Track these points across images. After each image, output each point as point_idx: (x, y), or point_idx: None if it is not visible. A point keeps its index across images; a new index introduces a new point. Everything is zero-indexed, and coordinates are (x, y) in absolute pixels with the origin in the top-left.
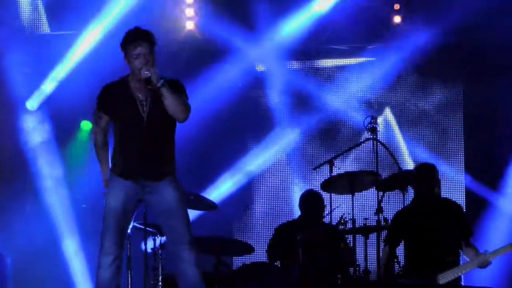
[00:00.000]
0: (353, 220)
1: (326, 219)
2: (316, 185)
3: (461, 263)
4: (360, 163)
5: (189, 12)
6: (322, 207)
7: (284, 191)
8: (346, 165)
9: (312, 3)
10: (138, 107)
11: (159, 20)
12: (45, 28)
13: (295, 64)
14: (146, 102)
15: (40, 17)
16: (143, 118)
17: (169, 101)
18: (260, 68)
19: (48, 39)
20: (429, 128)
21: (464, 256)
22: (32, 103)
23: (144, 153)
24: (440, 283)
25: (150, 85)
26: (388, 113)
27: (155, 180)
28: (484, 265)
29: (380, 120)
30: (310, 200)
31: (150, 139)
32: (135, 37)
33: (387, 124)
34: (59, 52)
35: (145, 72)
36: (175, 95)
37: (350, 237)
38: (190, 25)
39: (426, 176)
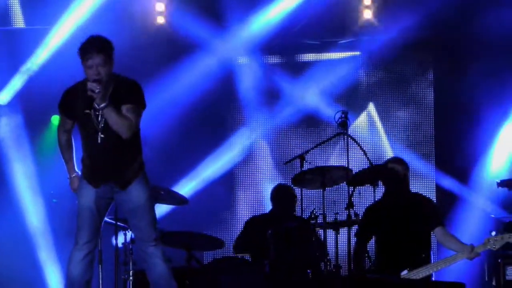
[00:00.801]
0: (324, 215)
1: (297, 214)
2: (288, 180)
3: (433, 259)
4: (333, 158)
5: (160, 6)
6: (294, 201)
7: (255, 185)
8: (319, 160)
9: None
10: (94, 117)
11: (130, 15)
12: (16, 22)
13: (266, 59)
14: (101, 112)
15: (10, 11)
16: (98, 129)
17: (112, 122)
18: (231, 63)
19: (18, 33)
20: (399, 123)
21: (445, 245)
22: (2, 97)
23: (106, 162)
24: (413, 278)
25: (93, 106)
26: (359, 108)
27: (121, 187)
28: (472, 257)
29: (351, 115)
30: (281, 194)
31: (109, 148)
32: (88, 48)
33: (359, 119)
34: (30, 46)
35: (91, 91)
36: (118, 116)
37: (321, 232)
38: (160, 20)
39: (394, 171)
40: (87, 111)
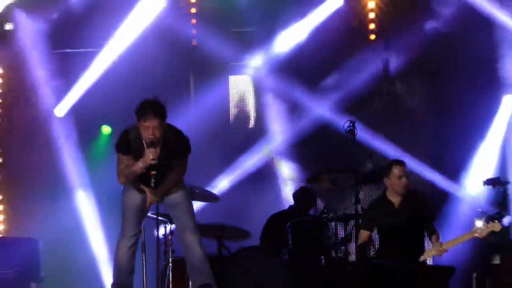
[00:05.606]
0: (335, 210)
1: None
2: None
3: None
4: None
5: (194, 31)
6: (313, 203)
7: (274, 186)
8: (330, 164)
9: (306, 17)
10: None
11: (168, 37)
12: (69, 45)
13: (285, 74)
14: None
15: (64, 36)
16: (152, 169)
17: (169, 184)
18: (250, 76)
19: (72, 55)
20: (400, 129)
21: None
22: (59, 111)
23: (155, 186)
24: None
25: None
26: (366, 117)
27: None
28: (440, 253)
29: (359, 124)
30: (305, 195)
31: (160, 179)
32: (146, 111)
33: (365, 127)
34: (82, 66)
35: (152, 160)
36: (171, 180)
37: (332, 224)
38: (194, 42)
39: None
40: (154, 172)
